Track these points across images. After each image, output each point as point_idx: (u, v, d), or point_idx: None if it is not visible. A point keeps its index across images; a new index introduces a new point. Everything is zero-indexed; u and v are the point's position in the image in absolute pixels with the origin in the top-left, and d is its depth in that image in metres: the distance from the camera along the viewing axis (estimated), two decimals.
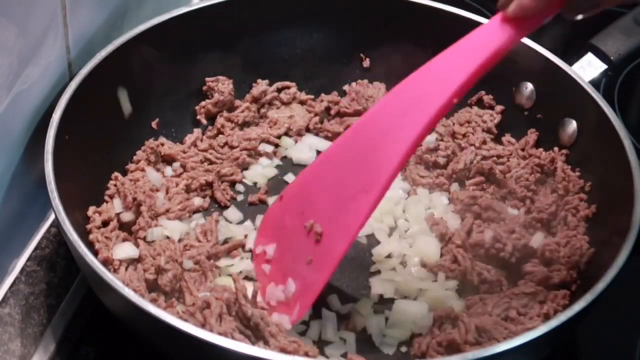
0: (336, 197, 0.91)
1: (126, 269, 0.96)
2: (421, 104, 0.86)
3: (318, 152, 1.18)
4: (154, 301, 0.93)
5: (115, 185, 1.04)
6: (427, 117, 0.86)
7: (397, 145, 0.87)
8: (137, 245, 0.98)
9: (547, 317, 0.92)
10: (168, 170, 1.10)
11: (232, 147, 1.14)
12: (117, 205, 1.02)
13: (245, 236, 1.05)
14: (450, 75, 0.86)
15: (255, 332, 0.89)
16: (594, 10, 0.82)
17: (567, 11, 0.83)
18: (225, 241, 1.04)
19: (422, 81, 0.89)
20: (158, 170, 1.10)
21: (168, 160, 1.11)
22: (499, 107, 1.18)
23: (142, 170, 1.08)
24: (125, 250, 0.97)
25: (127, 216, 1.01)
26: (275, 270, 0.97)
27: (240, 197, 1.11)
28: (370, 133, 0.90)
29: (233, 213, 1.09)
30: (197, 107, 1.17)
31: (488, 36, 0.85)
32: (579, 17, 0.83)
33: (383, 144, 0.88)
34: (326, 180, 0.93)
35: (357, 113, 1.20)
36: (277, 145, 1.18)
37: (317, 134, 1.20)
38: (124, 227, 1.01)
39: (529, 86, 1.14)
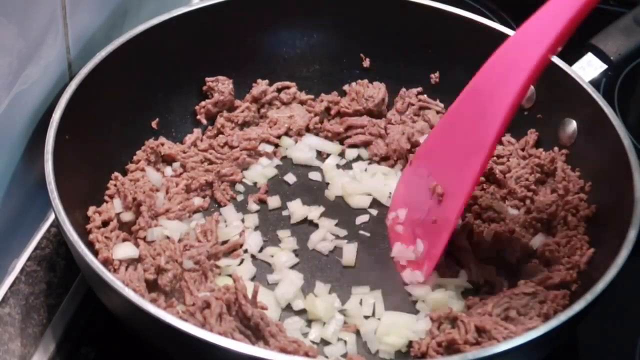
0: (453, 159, 0.97)
1: (126, 269, 0.96)
2: (519, 62, 0.90)
3: (318, 152, 1.18)
4: (154, 301, 0.92)
5: (115, 185, 1.04)
6: (525, 73, 0.90)
7: (500, 103, 0.91)
8: (137, 245, 0.98)
9: (547, 317, 0.92)
10: (168, 170, 1.10)
11: (232, 147, 1.14)
12: (117, 205, 1.02)
13: (240, 234, 1.05)
14: (544, 31, 0.89)
15: (255, 332, 0.89)
16: None
17: None
18: (225, 241, 1.04)
19: (520, 40, 0.93)
20: (158, 170, 1.10)
21: (168, 160, 1.11)
22: None
23: (142, 170, 1.08)
24: (125, 250, 0.97)
25: (127, 216, 1.01)
26: (406, 231, 1.03)
27: (240, 197, 1.11)
28: (478, 94, 0.95)
29: (233, 213, 1.09)
30: (197, 107, 1.17)
31: None
32: None
33: (489, 104, 0.92)
34: (445, 142, 0.99)
35: (357, 113, 1.20)
36: (277, 145, 1.18)
37: (317, 134, 1.20)
38: (124, 227, 1.01)
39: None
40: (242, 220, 1.07)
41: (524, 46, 0.91)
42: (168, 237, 1.00)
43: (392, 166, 1.15)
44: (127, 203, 1.01)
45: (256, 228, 1.07)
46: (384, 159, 1.17)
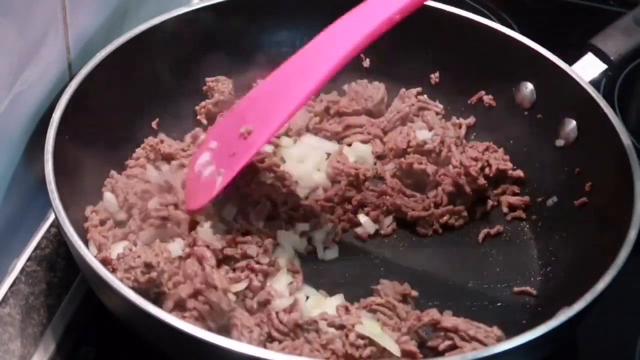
0: (268, 105, 1.01)
1: None
2: (345, 37, 1.02)
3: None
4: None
5: (110, 183, 1.03)
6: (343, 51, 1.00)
7: (323, 65, 1.00)
8: (135, 245, 0.97)
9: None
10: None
11: None
12: (111, 203, 1.01)
13: None
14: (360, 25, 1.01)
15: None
16: None
17: None
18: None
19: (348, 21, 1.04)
20: (157, 168, 1.09)
21: (168, 158, 1.11)
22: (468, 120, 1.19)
23: (142, 167, 1.07)
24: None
25: (122, 215, 1.01)
26: (212, 154, 1.04)
27: None
28: (306, 57, 1.02)
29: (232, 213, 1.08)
30: (197, 107, 1.17)
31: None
32: None
33: (314, 63, 1.01)
34: (266, 91, 1.03)
35: (357, 113, 1.20)
36: (277, 145, 1.18)
37: (316, 134, 1.20)
38: (120, 226, 1.01)
39: (529, 86, 1.14)
40: None
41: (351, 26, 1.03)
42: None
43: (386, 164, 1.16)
44: (120, 202, 1.01)
45: None
46: (379, 158, 1.17)
